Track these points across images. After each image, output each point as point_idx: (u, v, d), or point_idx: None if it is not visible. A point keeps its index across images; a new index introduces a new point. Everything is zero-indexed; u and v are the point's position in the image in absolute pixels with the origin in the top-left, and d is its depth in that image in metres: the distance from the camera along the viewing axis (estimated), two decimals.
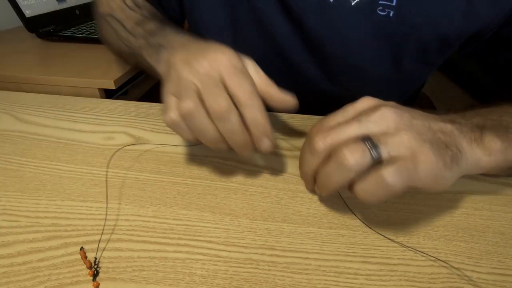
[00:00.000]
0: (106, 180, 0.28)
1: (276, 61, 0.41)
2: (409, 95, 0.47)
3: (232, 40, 0.41)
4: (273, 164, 0.31)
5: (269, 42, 0.40)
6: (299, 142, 0.34)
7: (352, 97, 0.42)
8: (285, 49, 0.39)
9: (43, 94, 0.42)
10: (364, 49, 0.37)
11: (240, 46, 0.42)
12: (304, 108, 0.45)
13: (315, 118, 0.38)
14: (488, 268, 0.22)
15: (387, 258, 0.22)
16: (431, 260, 0.22)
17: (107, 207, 0.26)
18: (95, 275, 0.21)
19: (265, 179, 0.29)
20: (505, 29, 0.34)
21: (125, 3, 0.40)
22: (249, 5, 0.38)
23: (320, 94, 0.43)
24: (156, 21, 0.36)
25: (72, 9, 0.81)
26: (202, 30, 0.42)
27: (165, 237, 0.24)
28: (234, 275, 0.21)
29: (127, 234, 0.24)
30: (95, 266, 0.21)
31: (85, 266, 0.21)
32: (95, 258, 0.22)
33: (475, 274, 0.22)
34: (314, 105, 0.45)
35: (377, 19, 0.34)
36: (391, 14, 0.33)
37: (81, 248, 0.22)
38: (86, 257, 0.22)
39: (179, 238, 0.23)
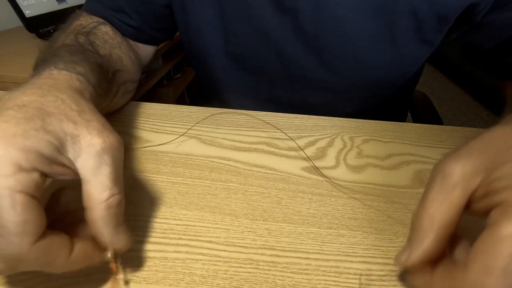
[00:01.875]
0: None
1: (269, 56, 0.41)
2: (406, 82, 0.46)
3: (223, 37, 0.41)
4: (273, 164, 0.31)
5: (261, 36, 0.39)
6: (298, 143, 0.34)
7: (351, 85, 0.42)
8: (278, 41, 0.39)
9: None
10: (360, 30, 0.36)
11: (232, 43, 0.42)
12: (304, 100, 0.45)
13: (314, 117, 0.38)
14: None
15: (387, 258, 0.22)
16: None
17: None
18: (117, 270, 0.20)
19: (265, 179, 0.29)
20: (487, 16, 0.34)
21: (83, 27, 0.34)
22: (237, 0, 0.37)
23: (318, 85, 0.43)
24: (74, 52, 0.26)
25: (72, 9, 0.81)
26: (193, 30, 0.42)
27: (165, 237, 0.24)
28: (234, 275, 0.21)
29: None
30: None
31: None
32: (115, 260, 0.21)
33: None
34: (312, 97, 0.44)
35: None
36: None
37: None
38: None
39: (179, 238, 0.23)
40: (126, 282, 0.21)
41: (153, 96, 1.18)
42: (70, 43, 0.30)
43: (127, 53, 0.38)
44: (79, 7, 0.86)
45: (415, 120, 0.62)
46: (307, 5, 0.35)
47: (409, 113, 0.64)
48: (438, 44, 0.39)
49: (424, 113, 0.63)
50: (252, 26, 0.39)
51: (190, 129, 0.35)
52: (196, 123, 0.36)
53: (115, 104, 0.35)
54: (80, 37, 0.32)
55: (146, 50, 0.45)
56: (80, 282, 0.20)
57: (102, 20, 0.38)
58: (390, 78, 0.43)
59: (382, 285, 0.21)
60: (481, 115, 1.68)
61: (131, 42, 0.43)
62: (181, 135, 0.34)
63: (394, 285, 0.21)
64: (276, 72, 0.43)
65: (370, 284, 0.21)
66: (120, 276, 0.21)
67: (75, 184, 0.19)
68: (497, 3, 0.33)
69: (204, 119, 0.37)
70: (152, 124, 0.36)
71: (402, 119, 0.59)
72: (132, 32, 0.42)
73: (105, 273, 0.21)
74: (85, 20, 0.37)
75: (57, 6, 0.78)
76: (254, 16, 0.38)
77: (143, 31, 0.42)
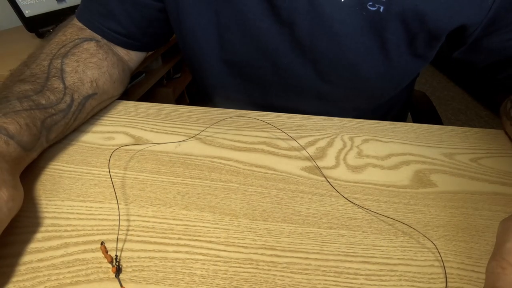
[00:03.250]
0: (112, 181, 0.28)
1: (265, 64, 0.41)
2: (402, 90, 0.47)
3: (219, 44, 0.41)
4: (273, 164, 0.31)
5: (257, 46, 0.39)
6: (298, 143, 0.34)
7: (345, 95, 0.43)
8: (274, 51, 0.39)
9: None
10: (355, 45, 0.37)
11: (227, 50, 0.42)
12: (297, 108, 0.45)
13: (314, 117, 0.38)
14: None
15: (387, 258, 0.22)
16: (430, 260, 0.22)
17: (118, 207, 0.26)
18: (118, 271, 0.21)
19: (265, 179, 0.29)
20: (484, 39, 0.36)
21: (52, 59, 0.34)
22: (233, 9, 0.37)
23: (313, 94, 0.43)
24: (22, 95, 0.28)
25: (72, 9, 0.81)
26: (189, 36, 0.41)
27: (165, 237, 0.24)
28: (234, 275, 0.21)
29: (126, 234, 0.24)
30: (117, 263, 0.21)
31: (85, 266, 0.21)
32: (116, 256, 0.22)
33: (475, 274, 0.22)
34: (309, 105, 0.45)
35: (367, 14, 0.34)
36: (381, 9, 0.34)
37: (102, 243, 0.22)
38: (107, 252, 0.22)
39: (179, 238, 0.23)
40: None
41: (153, 96, 1.17)
42: (36, 76, 0.32)
43: (106, 71, 0.38)
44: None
45: (415, 120, 0.62)
46: (304, 19, 0.36)
47: (409, 113, 0.64)
48: (431, 58, 0.40)
49: (424, 113, 0.63)
50: (248, 35, 0.38)
51: (203, 131, 0.35)
52: (211, 125, 0.36)
53: (84, 119, 0.35)
54: (55, 62, 0.33)
55: (138, 57, 0.45)
56: (79, 282, 0.20)
57: (89, 36, 0.38)
58: (384, 88, 0.44)
59: (382, 285, 0.21)
60: (481, 115, 1.67)
61: (123, 51, 0.42)
62: (192, 136, 0.34)
63: (394, 285, 0.21)
64: (271, 80, 0.43)
65: (370, 284, 0.21)
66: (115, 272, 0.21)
67: None
68: (491, 27, 0.34)
69: (215, 123, 0.37)
70: (152, 124, 0.36)
71: (402, 119, 0.59)
72: (123, 41, 0.41)
73: (104, 273, 0.21)
74: (71, 35, 0.37)
75: (57, 6, 0.78)
76: (250, 26, 0.38)
77: (135, 38, 0.42)
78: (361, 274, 0.21)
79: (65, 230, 0.24)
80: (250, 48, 0.40)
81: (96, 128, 0.35)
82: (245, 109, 0.39)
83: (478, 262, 0.22)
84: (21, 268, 0.21)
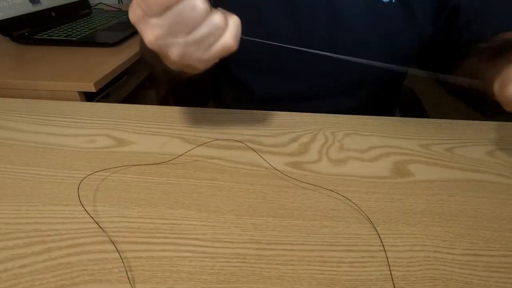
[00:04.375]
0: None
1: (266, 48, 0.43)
2: (391, 90, 0.50)
3: None
4: (258, 160, 0.31)
5: (260, 26, 0.40)
6: (281, 139, 0.34)
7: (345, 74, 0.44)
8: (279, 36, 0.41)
9: (20, 99, 0.40)
10: (365, 33, 0.39)
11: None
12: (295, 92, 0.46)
13: (296, 114, 0.39)
14: (461, 250, 0.23)
15: (368, 245, 0.23)
16: (408, 245, 0.23)
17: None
18: None
19: (250, 176, 0.29)
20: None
21: None
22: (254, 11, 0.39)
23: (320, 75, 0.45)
24: None
25: (47, 11, 0.79)
26: None
27: (151, 237, 0.24)
28: (221, 269, 0.21)
29: (112, 236, 0.23)
30: None
31: (69, 270, 0.21)
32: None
33: (450, 256, 0.23)
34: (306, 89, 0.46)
35: (381, 6, 0.37)
36: (393, 0, 0.36)
37: None
38: None
39: (165, 237, 0.24)
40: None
41: (136, 98, 1.15)
42: None
43: None
44: (55, 9, 0.83)
45: (403, 115, 0.65)
46: (321, 11, 0.38)
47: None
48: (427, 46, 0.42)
49: (411, 107, 0.66)
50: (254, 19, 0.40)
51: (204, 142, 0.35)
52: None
53: None
54: None
55: None
56: (64, 285, 0.20)
57: None
58: (382, 79, 0.46)
59: (364, 271, 0.22)
60: (459, 108, 1.74)
61: None
62: (194, 147, 0.34)
63: (375, 270, 0.22)
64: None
65: (353, 271, 0.22)
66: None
67: None
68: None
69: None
70: (135, 126, 0.36)
71: (391, 115, 0.61)
72: None
73: (90, 275, 0.21)
74: None
75: (32, 8, 0.76)
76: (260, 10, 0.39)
77: None
78: (344, 262, 0.22)
79: (48, 235, 0.23)
80: (254, 29, 0.42)
81: (77, 131, 0.35)
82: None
83: (452, 245, 0.24)
84: (2, 276, 0.21)
